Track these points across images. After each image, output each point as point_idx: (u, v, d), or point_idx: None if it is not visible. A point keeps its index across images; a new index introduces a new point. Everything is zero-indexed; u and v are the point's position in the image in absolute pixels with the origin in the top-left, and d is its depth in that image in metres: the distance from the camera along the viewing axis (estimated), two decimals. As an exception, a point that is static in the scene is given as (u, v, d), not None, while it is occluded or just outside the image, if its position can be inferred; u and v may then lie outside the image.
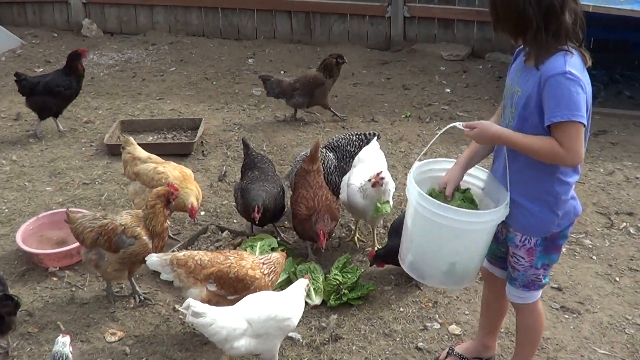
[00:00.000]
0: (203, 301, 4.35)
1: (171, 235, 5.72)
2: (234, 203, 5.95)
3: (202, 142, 7.50)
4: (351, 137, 6.12)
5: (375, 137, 6.00)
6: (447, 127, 3.74)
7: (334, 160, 5.94)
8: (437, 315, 4.87)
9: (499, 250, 3.95)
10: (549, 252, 3.74)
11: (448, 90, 8.97)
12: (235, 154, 7.20)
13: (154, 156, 5.81)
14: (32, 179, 6.78)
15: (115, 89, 9.17)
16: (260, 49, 10.62)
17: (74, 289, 5.17)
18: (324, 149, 6.02)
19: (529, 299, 3.90)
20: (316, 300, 4.94)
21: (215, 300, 4.40)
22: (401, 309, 4.95)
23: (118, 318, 4.86)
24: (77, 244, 5.29)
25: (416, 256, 3.90)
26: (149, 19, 11.41)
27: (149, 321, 4.85)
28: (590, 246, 5.72)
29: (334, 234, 5.65)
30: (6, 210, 6.22)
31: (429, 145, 3.97)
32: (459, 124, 3.65)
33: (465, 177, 3.87)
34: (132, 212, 4.91)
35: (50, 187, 6.64)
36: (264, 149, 7.31)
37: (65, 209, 5.16)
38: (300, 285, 4.41)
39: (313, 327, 4.75)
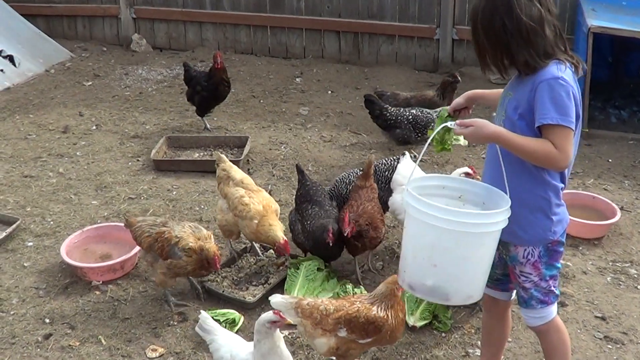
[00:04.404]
0: (331, 349, 4.18)
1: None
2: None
3: (248, 160, 7.49)
4: (393, 162, 6.02)
5: (406, 157, 5.88)
6: (439, 127, 3.72)
7: None
8: (479, 342, 4.74)
9: (495, 273, 3.90)
10: (553, 261, 3.73)
11: (494, 114, 8.83)
12: (281, 173, 7.18)
13: (246, 179, 5.64)
14: (78, 192, 6.83)
15: (163, 104, 9.24)
16: (308, 68, 10.64)
17: (116, 303, 5.17)
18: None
19: (548, 316, 3.84)
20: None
21: (346, 346, 4.18)
22: (443, 335, 4.87)
23: (160, 334, 4.85)
24: (121, 258, 5.35)
25: (441, 277, 3.58)
26: (198, 35, 11.51)
27: (190, 338, 4.81)
28: (635, 275, 5.59)
29: (376, 256, 5.60)
30: (51, 222, 6.25)
31: (424, 149, 3.81)
32: (451, 124, 3.65)
33: (462, 191, 3.81)
34: (192, 226, 5.05)
35: (95, 200, 6.67)
36: (309, 168, 7.28)
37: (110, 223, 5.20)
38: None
39: (355, 351, 4.69)
